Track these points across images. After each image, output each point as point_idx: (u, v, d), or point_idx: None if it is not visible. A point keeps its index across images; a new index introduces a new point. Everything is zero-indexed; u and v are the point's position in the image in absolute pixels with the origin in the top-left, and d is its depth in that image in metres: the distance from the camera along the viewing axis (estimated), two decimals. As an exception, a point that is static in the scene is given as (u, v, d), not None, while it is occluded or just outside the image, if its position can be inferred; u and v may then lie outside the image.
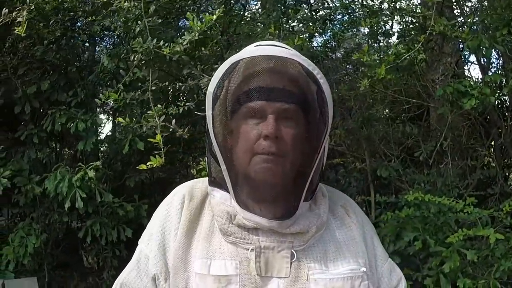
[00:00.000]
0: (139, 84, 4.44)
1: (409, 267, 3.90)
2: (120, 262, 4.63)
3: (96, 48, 5.33)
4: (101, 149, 5.19)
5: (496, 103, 4.62)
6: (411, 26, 4.73)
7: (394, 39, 5.62)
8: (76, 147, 4.55)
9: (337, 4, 4.18)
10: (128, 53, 4.07)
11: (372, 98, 4.60)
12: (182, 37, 2.89)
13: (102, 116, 5.60)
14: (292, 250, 1.09)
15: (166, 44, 3.14)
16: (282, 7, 3.52)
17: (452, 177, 4.13)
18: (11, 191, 4.42)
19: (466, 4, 4.04)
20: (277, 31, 3.17)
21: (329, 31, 5.12)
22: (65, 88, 4.51)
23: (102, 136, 5.73)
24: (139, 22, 3.53)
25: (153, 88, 3.08)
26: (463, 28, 4.19)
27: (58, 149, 4.96)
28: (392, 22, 4.61)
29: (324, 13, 4.38)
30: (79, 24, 4.50)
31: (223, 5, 2.92)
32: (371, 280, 1.15)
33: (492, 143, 4.49)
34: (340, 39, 5.35)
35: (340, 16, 5.28)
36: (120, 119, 2.97)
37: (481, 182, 4.43)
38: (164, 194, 1.24)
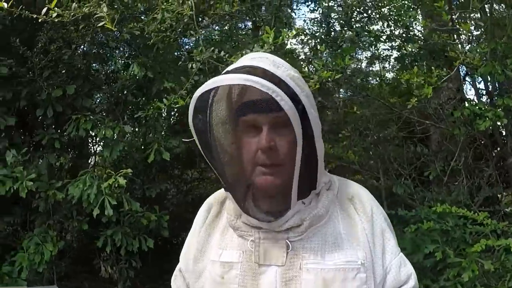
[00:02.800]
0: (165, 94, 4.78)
1: (426, 279, 4.37)
2: (136, 273, 4.82)
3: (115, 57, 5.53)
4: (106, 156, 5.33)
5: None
6: (421, 52, 5.34)
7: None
8: (94, 154, 4.74)
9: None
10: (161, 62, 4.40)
11: (387, 118, 5.15)
12: (253, 50, 3.27)
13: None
14: (288, 241, 1.22)
15: (227, 55, 3.53)
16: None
17: (464, 195, 4.69)
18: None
19: (475, 31, 4.63)
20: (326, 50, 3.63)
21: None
22: (89, 94, 4.72)
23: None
24: (192, 32, 3.89)
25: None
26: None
27: (75, 156, 5.10)
28: (405, 48, 5.19)
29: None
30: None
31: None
32: (370, 272, 1.25)
33: (498, 163, 5.12)
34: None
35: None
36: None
37: (485, 200, 5.03)
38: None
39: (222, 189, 1.37)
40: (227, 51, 3.58)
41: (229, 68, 1.23)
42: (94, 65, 4.89)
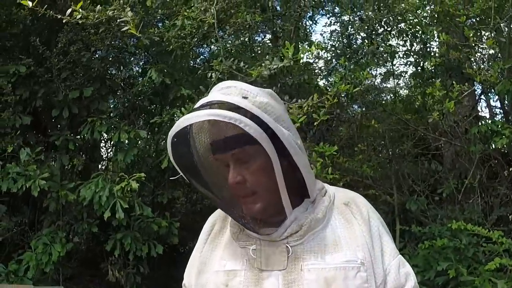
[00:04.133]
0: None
1: (436, 296, 4.38)
2: (144, 279, 4.83)
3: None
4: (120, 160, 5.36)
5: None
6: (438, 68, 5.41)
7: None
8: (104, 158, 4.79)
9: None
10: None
11: (401, 134, 5.22)
12: (273, 62, 3.34)
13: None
14: (288, 246, 1.28)
15: (246, 66, 3.61)
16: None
17: (477, 213, 4.72)
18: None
19: (491, 50, 4.69)
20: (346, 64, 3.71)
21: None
22: (106, 98, 4.79)
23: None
24: (213, 40, 3.97)
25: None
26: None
27: (87, 158, 5.16)
28: (423, 63, 5.26)
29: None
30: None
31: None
32: (371, 272, 1.29)
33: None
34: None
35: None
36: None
37: (498, 219, 5.05)
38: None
39: None
40: (246, 62, 3.66)
41: (196, 105, 1.30)
42: (111, 69, 4.96)
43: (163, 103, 5.16)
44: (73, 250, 4.84)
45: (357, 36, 4.51)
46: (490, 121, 4.62)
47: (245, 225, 1.31)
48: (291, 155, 1.24)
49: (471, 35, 4.08)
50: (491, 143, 4.52)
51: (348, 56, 4.12)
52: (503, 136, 4.37)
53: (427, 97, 4.00)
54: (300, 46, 3.44)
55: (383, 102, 6.37)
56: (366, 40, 4.34)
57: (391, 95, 6.76)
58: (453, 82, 3.78)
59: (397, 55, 5.66)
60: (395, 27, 5.06)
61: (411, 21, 5.29)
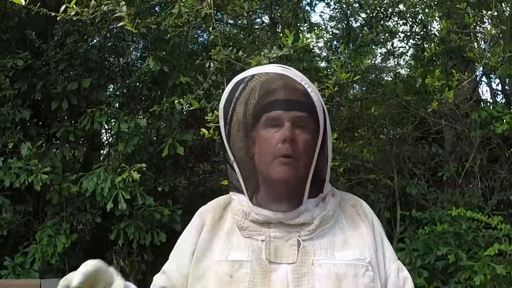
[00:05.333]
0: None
1: (437, 281, 4.43)
2: (148, 267, 4.88)
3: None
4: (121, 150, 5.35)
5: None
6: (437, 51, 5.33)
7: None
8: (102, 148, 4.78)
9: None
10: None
11: (402, 117, 5.18)
12: (272, 51, 3.28)
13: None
14: (299, 239, 1.28)
15: (245, 55, 3.55)
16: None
17: (477, 197, 4.73)
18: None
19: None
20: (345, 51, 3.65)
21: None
22: (104, 87, 4.76)
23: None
24: (210, 29, 3.91)
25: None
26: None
27: (88, 149, 5.17)
28: (424, 46, 5.17)
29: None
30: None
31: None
32: (376, 271, 1.31)
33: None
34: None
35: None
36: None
37: (499, 202, 5.06)
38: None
39: (221, 196, 1.48)
40: (245, 49, 3.59)
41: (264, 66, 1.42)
42: (109, 58, 4.91)
43: (162, 89, 5.11)
44: (78, 240, 4.88)
45: (357, 19, 4.42)
46: (491, 106, 4.56)
47: (257, 201, 1.33)
48: (327, 140, 1.32)
49: (472, 18, 3.99)
50: (491, 128, 4.48)
51: (347, 41, 4.05)
52: (503, 122, 4.35)
53: (427, 80, 3.95)
54: (299, 33, 3.34)
55: (384, 83, 6.29)
56: (365, 27, 4.26)
57: (391, 75, 6.69)
58: (453, 70, 3.71)
59: (397, 36, 5.55)
60: (396, 8, 4.97)
61: (411, 2, 5.17)
